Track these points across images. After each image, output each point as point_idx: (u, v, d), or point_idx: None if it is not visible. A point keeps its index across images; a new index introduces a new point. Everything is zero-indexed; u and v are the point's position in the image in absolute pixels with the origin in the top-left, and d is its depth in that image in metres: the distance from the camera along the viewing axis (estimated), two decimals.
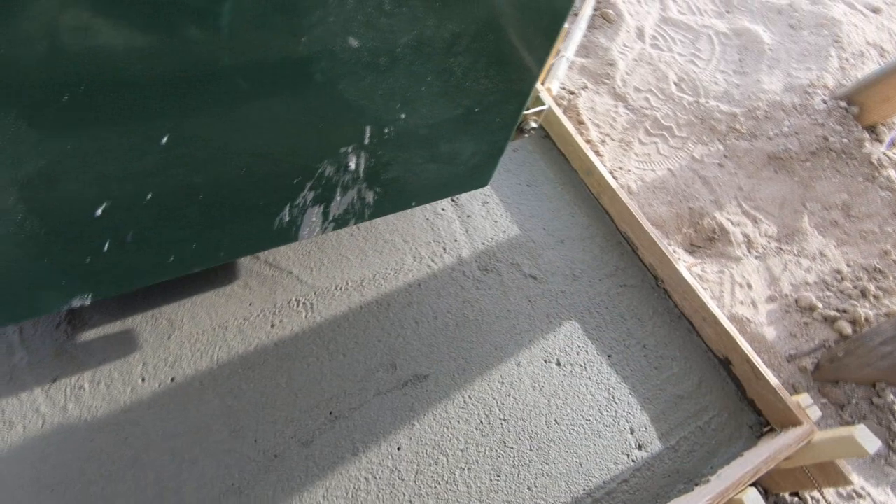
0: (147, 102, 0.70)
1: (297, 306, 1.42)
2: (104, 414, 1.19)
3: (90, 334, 1.28)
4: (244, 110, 0.78)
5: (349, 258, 1.53)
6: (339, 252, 1.54)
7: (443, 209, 1.70)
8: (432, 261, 1.58)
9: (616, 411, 1.45)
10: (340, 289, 1.48)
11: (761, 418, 1.51)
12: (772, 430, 1.47)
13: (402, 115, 0.96)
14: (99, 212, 0.81)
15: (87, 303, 0.99)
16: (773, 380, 1.46)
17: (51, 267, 0.87)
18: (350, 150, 0.97)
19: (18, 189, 0.71)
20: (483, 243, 1.66)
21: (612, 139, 2.32)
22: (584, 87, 2.44)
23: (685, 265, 1.68)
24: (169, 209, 0.88)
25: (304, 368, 1.34)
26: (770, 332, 1.92)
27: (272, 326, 1.38)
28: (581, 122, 2.30)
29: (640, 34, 2.69)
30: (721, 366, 1.58)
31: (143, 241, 0.92)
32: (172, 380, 1.26)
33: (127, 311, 1.32)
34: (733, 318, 1.90)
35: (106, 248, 0.89)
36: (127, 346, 1.28)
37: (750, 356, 1.49)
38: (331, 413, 1.30)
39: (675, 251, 2.04)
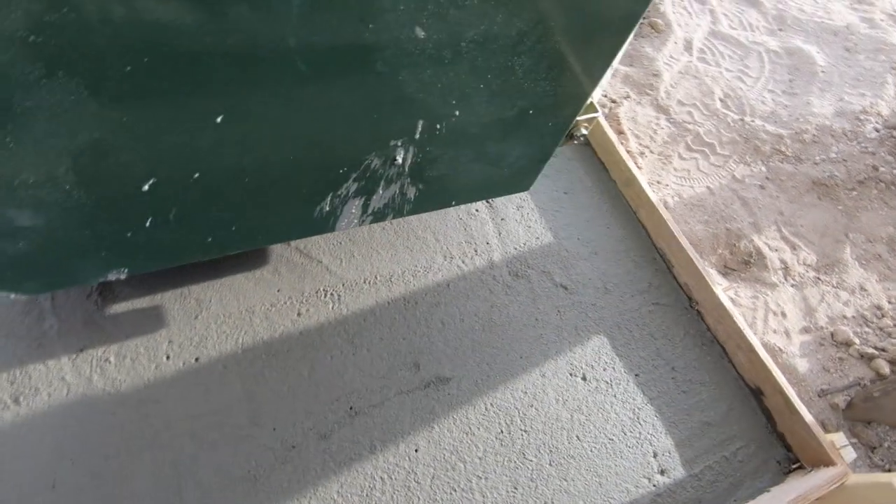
0: (207, 79, 0.68)
1: (325, 297, 1.41)
2: (127, 388, 1.19)
3: (119, 307, 1.27)
4: (302, 94, 0.76)
5: (379, 252, 1.51)
6: (369, 245, 1.52)
7: (476, 210, 1.67)
8: (462, 262, 1.55)
9: (640, 433, 1.41)
10: (369, 282, 1.45)
11: (791, 454, 1.45)
12: (801, 467, 1.42)
13: (457, 112, 0.93)
14: (146, 186, 0.80)
15: (123, 276, 0.98)
16: (808, 416, 1.40)
17: (92, 238, 0.86)
18: (400, 143, 0.94)
19: (71, 158, 0.70)
20: (515, 248, 1.62)
21: (652, 151, 2.27)
22: (627, 97, 2.39)
23: (721, 288, 1.62)
24: (214, 189, 0.87)
25: (328, 360, 1.32)
26: (802, 365, 1.85)
27: (298, 315, 1.36)
28: (621, 133, 2.25)
29: (688, 46, 2.62)
30: (752, 395, 1.52)
31: (184, 220, 0.91)
32: (196, 360, 1.25)
33: (157, 287, 1.32)
34: (765, 347, 1.84)
35: (148, 223, 0.88)
36: (154, 322, 1.27)
37: (784, 388, 1.43)
38: (351, 408, 1.28)
39: (708, 272, 1.98)
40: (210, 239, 0.99)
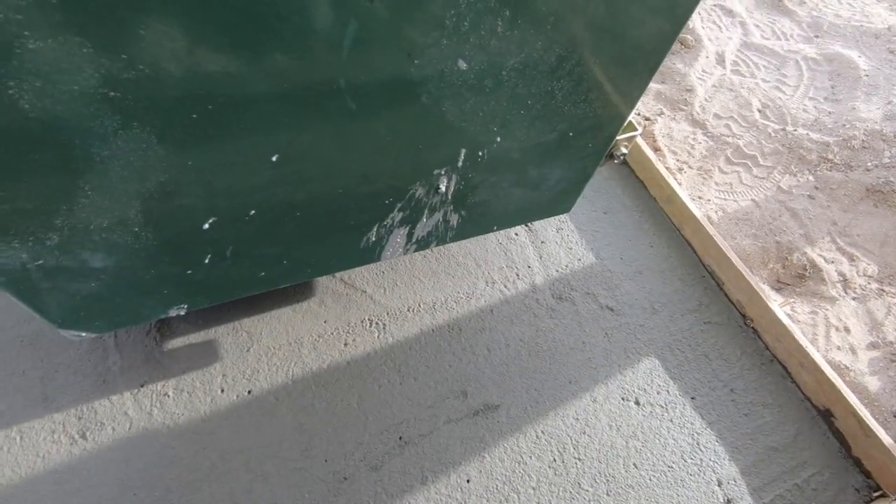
0: (264, 121, 0.72)
1: (370, 326, 1.42)
2: (185, 422, 1.22)
3: (176, 342, 1.32)
4: (350, 131, 0.79)
5: (422, 280, 1.52)
6: (411, 273, 1.53)
7: (516, 234, 1.67)
8: (505, 286, 1.55)
9: (701, 459, 1.34)
10: (412, 310, 1.46)
11: (870, 481, 1.34)
12: (883, 495, 1.31)
13: (498, 139, 0.94)
14: (206, 225, 0.84)
15: (182, 313, 1.02)
16: (886, 438, 1.30)
17: (156, 276, 0.90)
18: (443, 171, 0.96)
19: (141, 201, 0.75)
20: (557, 270, 1.60)
21: (690, 167, 2.22)
22: (661, 114, 2.36)
23: (777, 304, 1.55)
24: (268, 225, 0.90)
25: (375, 390, 1.32)
26: (873, 383, 1.73)
27: (345, 345, 1.38)
28: (657, 149, 2.22)
29: (721, 60, 2.59)
30: (821, 418, 1.43)
31: (239, 256, 0.94)
32: (249, 392, 1.28)
33: (210, 321, 1.37)
34: (830, 365, 1.74)
35: (207, 260, 0.91)
36: (209, 356, 1.31)
37: (857, 409, 1.34)
38: (400, 438, 1.27)
39: (761, 288, 1.90)
40: (263, 273, 1.02)
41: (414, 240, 1.13)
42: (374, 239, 1.06)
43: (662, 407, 1.40)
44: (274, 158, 0.77)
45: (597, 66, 0.88)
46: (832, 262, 2.02)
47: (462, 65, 0.76)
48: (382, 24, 0.66)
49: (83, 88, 0.57)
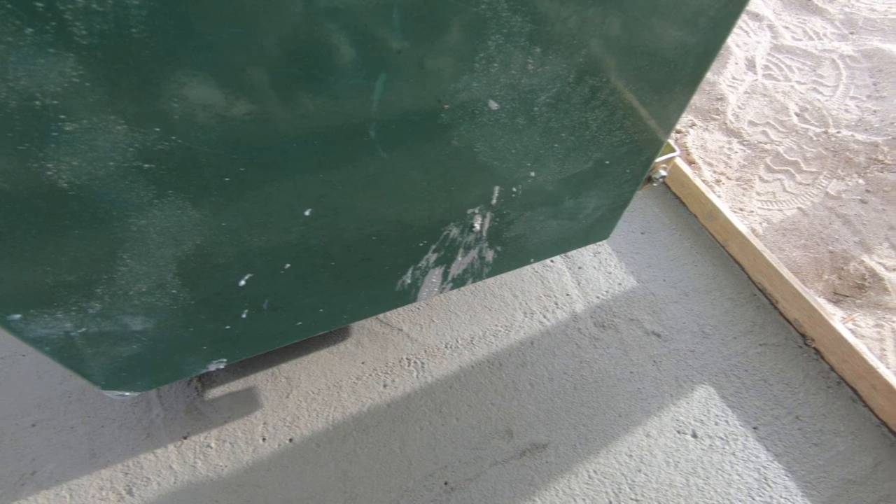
0: (296, 177, 0.71)
1: (408, 365, 1.39)
2: (228, 473, 1.21)
3: (217, 391, 1.32)
4: (383, 179, 0.78)
5: (458, 314, 1.49)
6: (447, 308, 1.50)
7: (552, 261, 1.62)
8: (544, 316, 1.50)
9: (771, 496, 1.24)
10: (451, 347, 1.43)
11: None
12: None
13: (532, 174, 0.91)
14: (242, 282, 0.83)
15: (222, 366, 1.02)
16: None
17: (195, 334, 0.90)
18: (477, 210, 0.93)
19: (177, 264, 0.74)
20: (597, 297, 1.54)
21: (729, 178, 2.14)
22: (692, 125, 2.29)
23: (839, 319, 1.45)
24: (303, 277, 0.89)
25: (417, 432, 1.28)
26: None
27: (384, 386, 1.35)
28: (692, 162, 2.14)
29: (751, 65, 2.51)
30: None
31: (276, 308, 0.93)
32: (290, 440, 1.26)
33: (249, 368, 1.36)
34: None
35: (244, 315, 0.91)
36: (249, 405, 1.30)
37: None
38: (446, 483, 1.22)
39: (820, 304, 1.79)
40: (300, 323, 1.01)
41: (450, 279, 1.10)
42: (409, 281, 1.04)
43: (722, 439, 1.31)
44: (307, 213, 0.76)
45: (632, 93, 0.84)
46: (894, 269, 1.89)
47: (493, 105, 0.74)
48: (411, 72, 0.64)
49: (118, 163, 0.58)
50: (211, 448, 1.24)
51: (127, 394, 0.96)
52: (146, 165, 0.59)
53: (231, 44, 0.53)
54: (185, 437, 1.25)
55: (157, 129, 0.57)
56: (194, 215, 0.68)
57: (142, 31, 0.47)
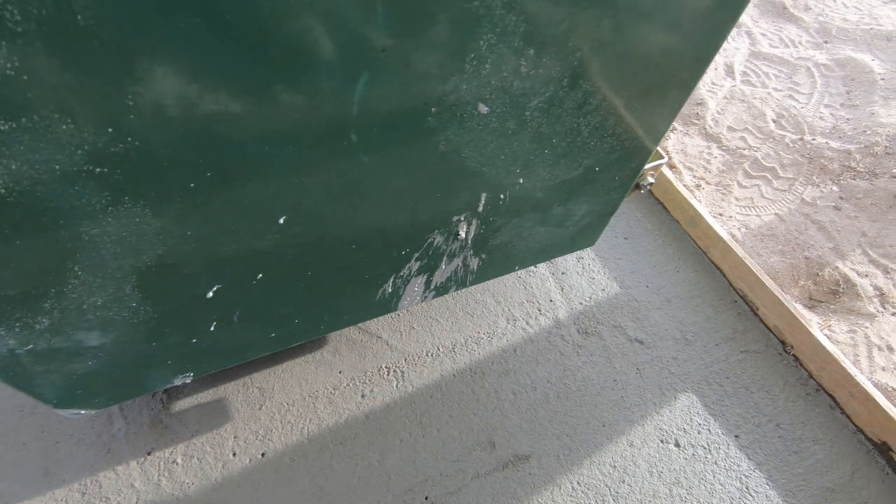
0: (269, 183, 0.65)
1: (388, 374, 1.34)
2: (195, 492, 1.14)
3: (184, 403, 1.25)
4: (364, 186, 0.72)
5: (439, 321, 1.45)
6: (428, 314, 1.45)
7: (535, 266, 1.59)
8: (527, 323, 1.46)
9: None
10: (431, 355, 1.38)
11: None
12: None
13: (521, 180, 0.87)
14: (210, 294, 0.77)
15: (189, 381, 0.95)
16: None
17: (158, 348, 0.83)
18: (463, 217, 0.89)
19: (137, 276, 0.68)
20: (581, 303, 1.52)
21: (708, 183, 2.15)
22: (672, 129, 2.30)
23: (817, 326, 1.46)
24: (277, 287, 0.83)
25: (397, 445, 1.24)
26: None
27: (362, 397, 1.30)
28: (672, 167, 2.15)
29: (730, 71, 2.53)
30: (877, 452, 1.33)
31: (248, 320, 0.87)
32: (263, 455, 1.20)
33: (219, 379, 1.29)
34: (877, 388, 1.63)
35: (212, 328, 0.84)
36: (219, 417, 1.23)
37: None
38: (426, 498, 1.18)
39: (799, 311, 1.81)
40: (274, 334, 0.95)
41: (432, 287, 1.06)
42: (390, 290, 0.99)
43: (705, 448, 1.30)
44: (281, 221, 0.71)
45: (626, 99, 0.81)
46: (866, 275, 1.92)
47: (483, 108, 0.69)
48: (395, 73, 0.59)
49: (65, 167, 0.51)
50: (177, 464, 1.17)
51: (83, 412, 0.88)
52: (98, 169, 0.53)
53: (194, 34, 0.47)
54: (148, 453, 1.18)
55: (110, 130, 0.51)
56: (155, 224, 0.62)
57: (88, 18, 0.41)
